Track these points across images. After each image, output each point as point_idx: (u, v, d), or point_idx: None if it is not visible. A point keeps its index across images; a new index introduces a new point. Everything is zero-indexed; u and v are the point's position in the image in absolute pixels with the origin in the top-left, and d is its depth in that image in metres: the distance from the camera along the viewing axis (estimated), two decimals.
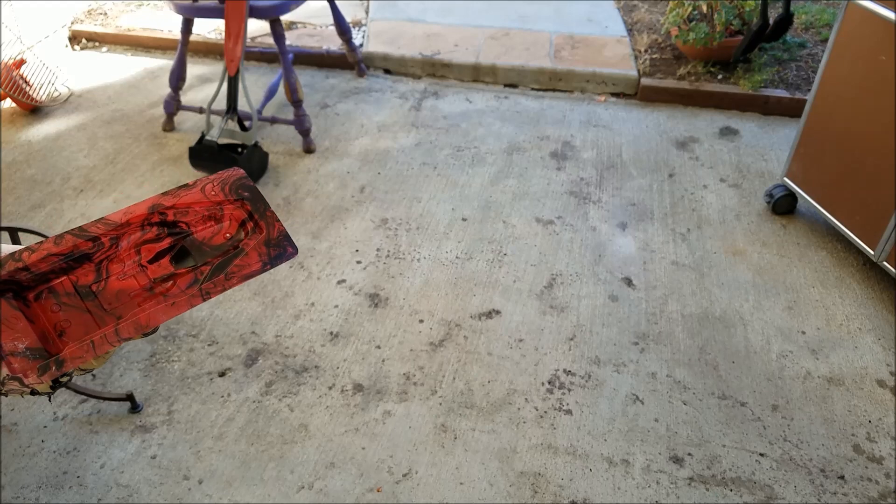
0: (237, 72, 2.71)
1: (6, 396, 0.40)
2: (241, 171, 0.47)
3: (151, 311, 0.43)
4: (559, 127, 3.29)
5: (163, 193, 0.45)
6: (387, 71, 3.78)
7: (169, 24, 4.05)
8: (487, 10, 4.20)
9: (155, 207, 0.45)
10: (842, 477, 1.76)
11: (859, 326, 2.20)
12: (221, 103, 2.83)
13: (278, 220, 0.47)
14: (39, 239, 1.81)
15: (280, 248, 0.47)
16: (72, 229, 0.44)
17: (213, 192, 0.45)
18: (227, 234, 0.46)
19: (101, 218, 0.44)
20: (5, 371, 0.40)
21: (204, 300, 0.44)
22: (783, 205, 2.66)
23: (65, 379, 0.43)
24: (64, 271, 0.44)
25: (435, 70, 3.73)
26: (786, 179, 2.61)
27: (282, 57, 2.95)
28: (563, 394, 1.97)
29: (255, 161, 2.78)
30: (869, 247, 2.27)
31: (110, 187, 2.81)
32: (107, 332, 0.42)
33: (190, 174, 2.87)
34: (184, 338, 2.13)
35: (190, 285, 0.45)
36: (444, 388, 1.98)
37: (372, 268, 2.41)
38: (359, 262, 2.43)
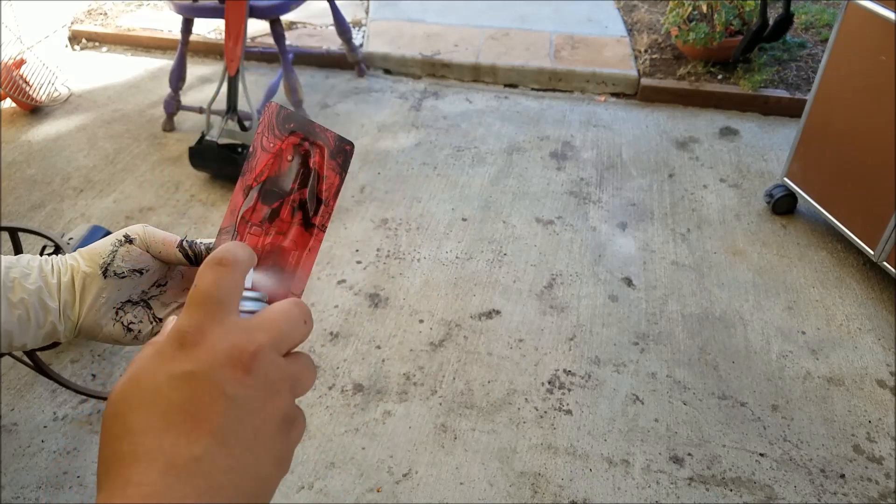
0: (237, 72, 2.71)
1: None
2: (275, 105, 0.49)
3: (299, 260, 0.48)
4: (559, 127, 3.29)
5: (241, 175, 0.49)
6: (387, 71, 3.78)
7: (169, 24, 4.05)
8: (487, 10, 4.20)
9: (247, 189, 0.49)
10: (842, 477, 1.76)
11: (859, 326, 2.20)
12: (221, 103, 2.82)
13: (327, 130, 0.50)
14: (39, 239, 1.80)
15: (342, 154, 0.51)
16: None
17: (270, 144, 0.49)
18: (288, 158, 0.50)
19: (219, 231, 0.49)
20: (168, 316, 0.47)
21: (324, 232, 0.49)
22: (783, 205, 2.66)
23: None
24: None
25: (435, 70, 3.73)
26: (786, 179, 2.61)
27: (282, 57, 2.95)
28: (563, 394, 1.97)
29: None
30: (869, 247, 2.27)
31: (110, 187, 2.81)
32: (287, 295, 0.47)
33: (190, 174, 2.87)
34: None
35: (300, 222, 0.49)
36: (444, 388, 1.98)
37: (372, 268, 2.41)
38: (359, 262, 2.43)
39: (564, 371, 2.03)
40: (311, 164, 0.51)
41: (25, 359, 1.80)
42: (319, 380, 2.00)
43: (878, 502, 1.71)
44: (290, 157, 0.50)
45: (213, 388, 0.30)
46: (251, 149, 0.48)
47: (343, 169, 0.50)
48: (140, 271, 0.51)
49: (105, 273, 0.50)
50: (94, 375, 2.01)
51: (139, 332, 0.52)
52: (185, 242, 0.51)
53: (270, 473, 0.32)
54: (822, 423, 1.90)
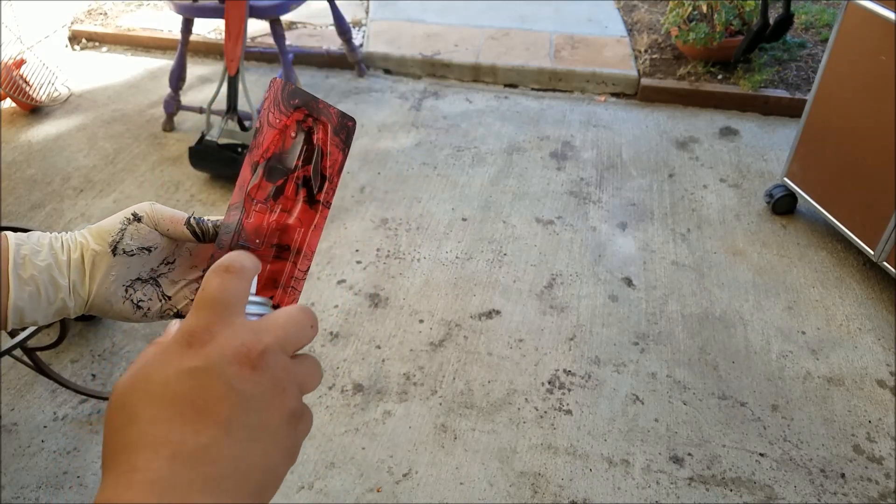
0: (237, 72, 2.71)
1: None
2: (280, 80, 0.49)
3: (304, 238, 0.49)
4: (559, 127, 3.29)
5: (249, 151, 0.49)
6: (387, 71, 3.78)
7: (169, 24, 4.05)
8: (487, 10, 4.20)
9: (254, 165, 0.49)
10: (842, 477, 1.76)
11: (859, 326, 2.19)
12: (221, 103, 2.82)
13: (330, 106, 0.51)
14: (39, 233, 1.80)
15: (344, 130, 0.51)
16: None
17: (276, 120, 0.49)
18: (291, 135, 0.50)
19: (228, 207, 0.49)
20: None
21: (328, 209, 0.50)
22: (783, 205, 2.66)
23: None
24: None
25: (435, 70, 3.73)
26: (786, 179, 2.61)
27: (282, 57, 2.95)
28: (563, 394, 1.97)
29: None
30: (869, 247, 2.27)
31: (110, 187, 2.81)
32: (293, 272, 0.49)
33: (190, 174, 2.87)
34: None
35: (304, 199, 0.50)
36: (444, 388, 1.98)
37: (372, 268, 2.41)
38: (359, 262, 2.43)
39: (564, 371, 2.03)
40: (315, 141, 0.51)
41: (25, 359, 1.80)
42: None
43: (878, 502, 1.71)
44: (293, 134, 0.50)
45: (221, 383, 0.31)
46: (258, 124, 0.49)
47: (346, 145, 0.51)
48: (148, 249, 0.52)
49: (114, 251, 0.51)
50: (94, 375, 2.01)
51: (148, 309, 0.53)
52: (192, 219, 0.52)
53: (278, 464, 0.33)
54: (822, 423, 1.90)
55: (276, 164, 0.50)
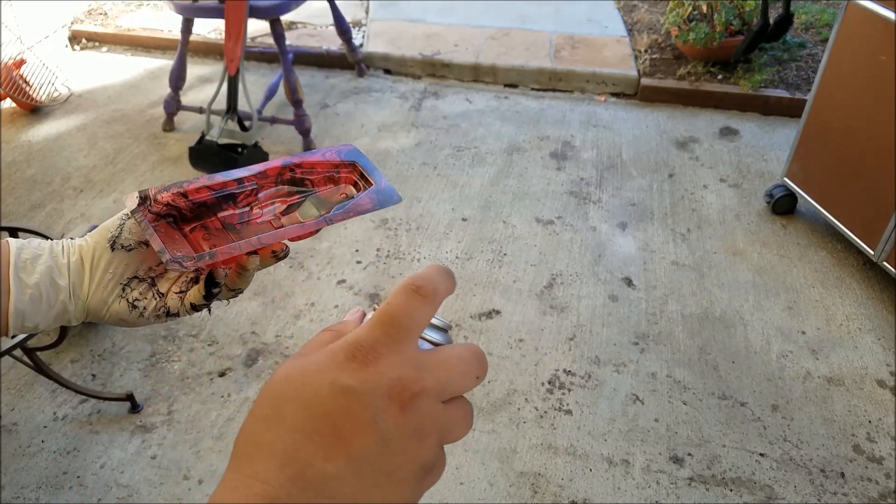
0: (237, 72, 2.71)
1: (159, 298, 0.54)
2: (352, 145, 0.54)
3: (285, 229, 0.52)
4: (559, 127, 3.29)
5: (291, 155, 0.52)
6: (387, 71, 3.78)
7: (169, 24, 4.05)
8: (487, 10, 4.20)
9: (287, 165, 0.52)
10: (842, 477, 1.76)
11: (859, 326, 2.19)
12: (221, 103, 2.82)
13: (384, 178, 0.54)
14: (40, 239, 1.80)
15: (387, 195, 0.54)
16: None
17: (331, 156, 0.53)
18: (344, 194, 0.54)
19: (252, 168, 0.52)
20: (167, 256, 0.48)
21: (328, 224, 0.52)
22: (783, 205, 2.66)
23: (216, 291, 0.52)
24: (214, 208, 0.52)
25: (435, 70, 3.72)
26: (786, 179, 2.61)
27: (282, 57, 2.95)
28: (563, 394, 1.97)
29: (255, 161, 2.77)
30: (869, 247, 2.27)
31: (110, 187, 2.81)
32: (250, 239, 0.50)
33: (190, 174, 2.87)
34: (184, 338, 2.13)
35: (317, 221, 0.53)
36: None
37: (372, 268, 2.41)
38: (359, 262, 2.43)
39: (564, 371, 2.03)
40: (355, 192, 0.54)
41: (25, 359, 1.80)
42: None
43: (878, 502, 1.71)
44: (343, 194, 0.54)
45: (365, 413, 0.30)
46: (314, 148, 0.52)
47: (379, 205, 0.54)
48: (146, 243, 0.53)
49: (112, 246, 0.52)
50: (94, 375, 2.01)
51: (144, 308, 0.53)
52: None
53: None
54: (822, 423, 1.90)
55: (316, 202, 0.53)
